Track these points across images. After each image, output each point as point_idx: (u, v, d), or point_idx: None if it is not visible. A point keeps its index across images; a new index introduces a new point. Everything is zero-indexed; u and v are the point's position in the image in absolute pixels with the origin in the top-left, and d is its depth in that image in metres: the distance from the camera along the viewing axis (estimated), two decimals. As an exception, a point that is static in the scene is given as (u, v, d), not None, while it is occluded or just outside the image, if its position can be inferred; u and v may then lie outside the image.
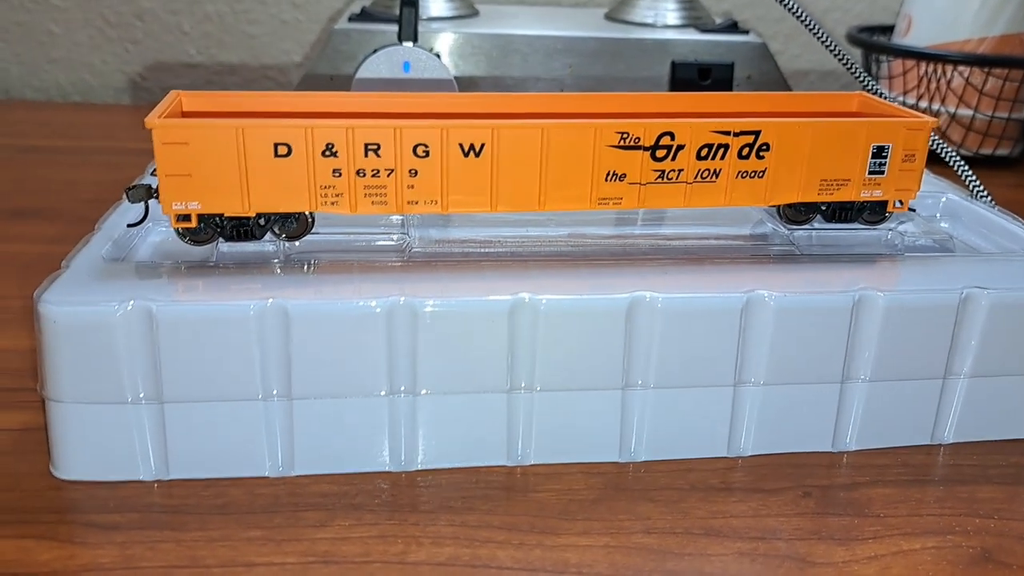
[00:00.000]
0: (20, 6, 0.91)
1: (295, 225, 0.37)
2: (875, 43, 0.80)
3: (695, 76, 0.70)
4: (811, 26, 0.55)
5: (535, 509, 0.33)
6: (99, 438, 0.34)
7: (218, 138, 0.34)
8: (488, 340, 0.34)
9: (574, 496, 0.34)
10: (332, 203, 0.36)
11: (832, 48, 0.55)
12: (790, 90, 0.76)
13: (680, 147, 0.37)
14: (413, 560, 0.31)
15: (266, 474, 0.35)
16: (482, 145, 0.36)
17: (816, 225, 0.41)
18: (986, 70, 0.74)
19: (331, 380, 0.34)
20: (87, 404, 0.33)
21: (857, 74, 0.55)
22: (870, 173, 0.39)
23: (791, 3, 0.55)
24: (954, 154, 0.51)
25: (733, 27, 0.74)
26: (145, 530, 0.32)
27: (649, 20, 0.77)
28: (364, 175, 0.35)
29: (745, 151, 0.38)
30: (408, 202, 0.36)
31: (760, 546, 0.32)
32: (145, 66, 0.93)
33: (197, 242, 0.36)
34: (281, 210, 0.36)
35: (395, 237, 0.40)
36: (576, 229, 0.42)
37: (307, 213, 0.37)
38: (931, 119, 0.39)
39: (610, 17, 0.80)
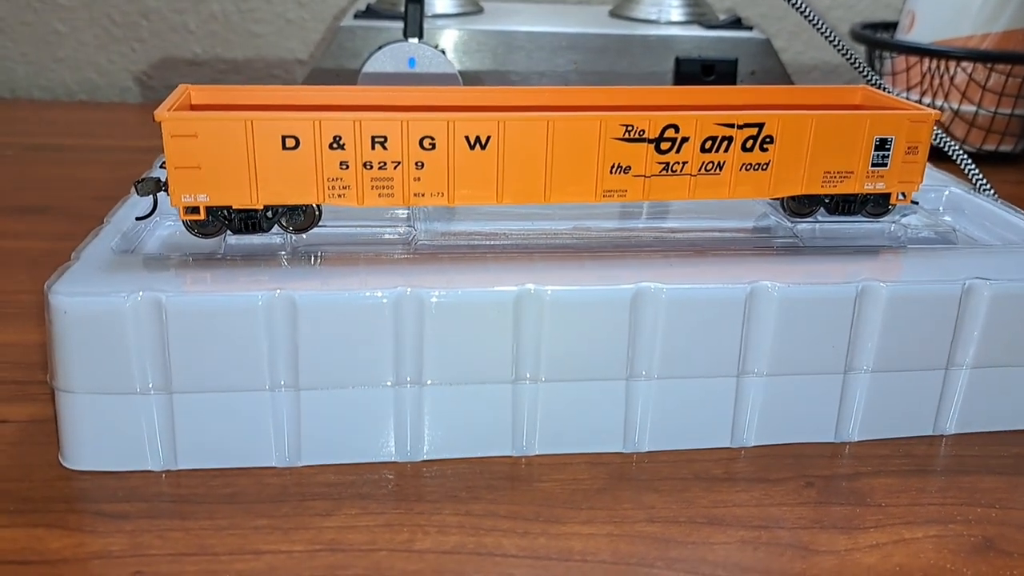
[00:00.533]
0: (27, 6, 0.92)
1: (302, 217, 0.37)
2: (878, 39, 0.80)
3: (699, 72, 0.70)
4: (815, 21, 0.55)
5: (540, 498, 0.34)
6: (108, 428, 0.34)
7: (226, 131, 0.34)
8: (493, 331, 0.35)
9: (578, 486, 0.35)
10: (339, 195, 0.36)
11: (836, 43, 0.55)
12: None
13: (684, 139, 0.37)
14: (419, 548, 0.31)
15: (273, 464, 0.35)
16: (488, 138, 0.36)
17: (819, 218, 0.42)
18: (989, 66, 0.74)
19: (338, 371, 0.34)
20: (96, 394, 0.33)
21: (861, 69, 0.55)
22: (873, 166, 0.39)
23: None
24: (957, 148, 0.51)
25: (737, 23, 0.75)
26: (154, 519, 0.32)
27: (653, 16, 0.77)
28: (371, 167, 0.36)
29: (749, 144, 0.38)
30: (415, 194, 0.36)
31: (763, 534, 0.32)
32: (151, 65, 0.94)
33: (205, 234, 0.37)
34: (289, 202, 0.36)
35: (401, 230, 0.41)
36: (581, 222, 0.42)
37: (314, 205, 0.37)
38: (934, 111, 0.39)
39: (614, 14, 0.81)
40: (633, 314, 0.35)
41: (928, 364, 0.38)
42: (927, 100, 0.77)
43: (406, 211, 0.42)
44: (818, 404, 0.37)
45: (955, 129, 0.77)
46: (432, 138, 0.36)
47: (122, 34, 0.93)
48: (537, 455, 0.36)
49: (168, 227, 0.40)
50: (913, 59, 0.77)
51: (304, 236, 0.38)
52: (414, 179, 0.36)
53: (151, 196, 0.37)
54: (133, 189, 0.37)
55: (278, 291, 0.33)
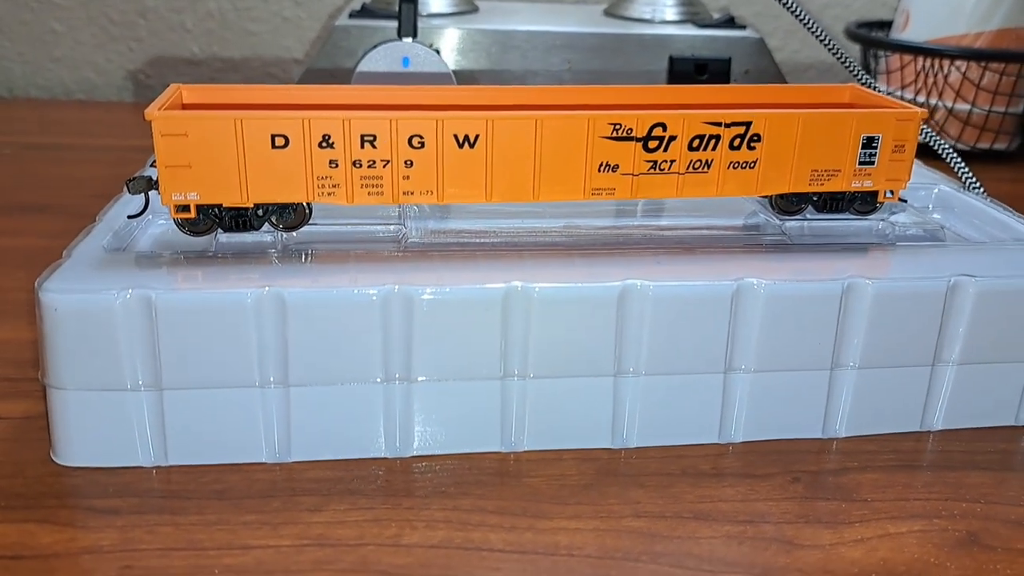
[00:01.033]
0: (24, 5, 0.92)
1: (293, 216, 0.38)
2: (873, 38, 0.80)
3: (692, 71, 0.71)
4: (806, 20, 0.55)
5: (527, 494, 0.34)
6: (99, 425, 0.34)
7: (216, 129, 0.35)
8: (482, 328, 0.35)
9: (566, 481, 0.35)
10: (329, 194, 0.36)
11: (827, 42, 0.55)
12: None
13: (672, 138, 0.37)
14: (406, 543, 0.31)
15: (263, 460, 0.35)
16: (476, 136, 0.36)
17: (808, 215, 0.42)
18: (983, 64, 0.74)
19: (327, 367, 0.35)
20: (87, 391, 0.34)
21: (851, 68, 0.56)
22: (860, 164, 0.39)
23: (786, -3, 0.55)
24: (946, 145, 0.51)
25: (730, 22, 0.75)
26: (144, 514, 0.32)
27: (647, 16, 0.77)
28: (360, 166, 0.36)
29: (736, 142, 0.38)
30: (404, 192, 0.37)
31: (748, 529, 0.32)
32: (148, 64, 0.94)
33: (196, 233, 0.37)
34: (279, 201, 0.36)
35: (392, 227, 0.41)
36: (571, 220, 0.43)
37: (304, 204, 0.37)
38: (920, 110, 0.39)
39: (609, 13, 0.81)
40: (620, 311, 0.35)
41: (915, 360, 0.38)
42: (921, 99, 0.77)
43: (397, 209, 0.42)
44: (805, 400, 0.38)
45: (949, 127, 0.77)
46: (421, 137, 0.36)
47: (119, 33, 0.93)
48: (525, 451, 0.37)
49: (160, 225, 0.40)
50: (907, 58, 0.77)
51: (295, 234, 0.38)
52: (403, 177, 0.36)
53: (143, 194, 0.37)
54: (125, 188, 0.37)
55: (267, 288, 0.33)
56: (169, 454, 0.35)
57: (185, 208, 0.36)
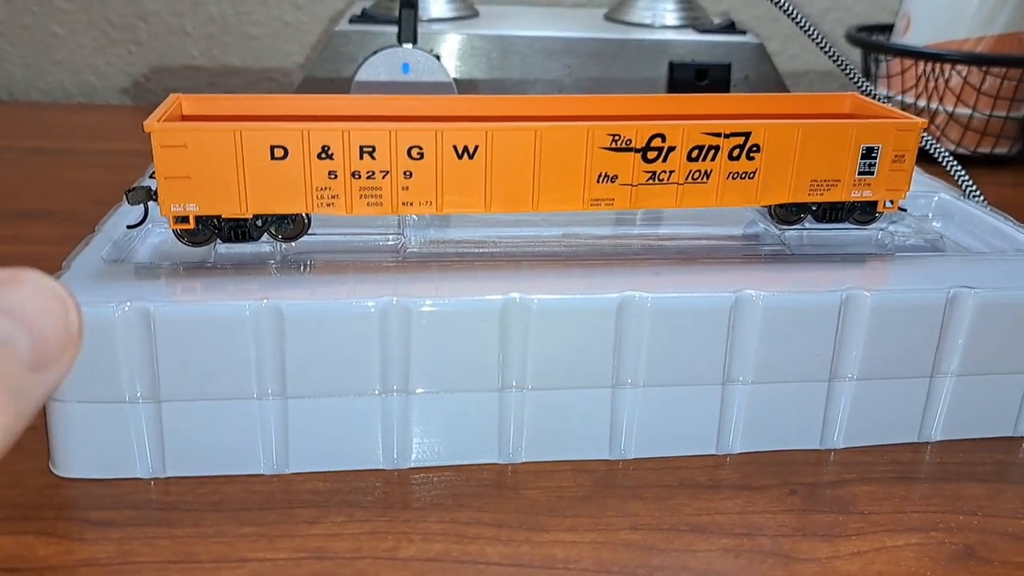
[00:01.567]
0: (25, 8, 0.92)
1: (292, 226, 0.38)
2: (873, 42, 0.80)
3: (692, 77, 0.71)
4: (804, 26, 0.55)
5: (525, 506, 0.34)
6: (97, 436, 0.34)
7: (215, 141, 0.35)
8: (480, 339, 0.35)
9: (563, 493, 0.35)
10: (328, 204, 0.36)
11: (825, 48, 0.55)
12: (787, 90, 0.76)
13: (671, 149, 0.37)
14: (403, 556, 0.31)
15: (261, 472, 0.35)
16: (476, 147, 0.36)
17: (807, 225, 0.42)
18: (984, 69, 0.74)
19: (325, 379, 0.35)
20: (86, 403, 0.34)
21: (851, 74, 0.56)
22: (860, 174, 0.39)
23: (784, 3, 0.55)
24: (946, 153, 0.51)
25: (731, 27, 0.75)
26: (142, 526, 0.32)
27: (648, 21, 0.77)
28: (359, 177, 0.36)
29: (735, 152, 0.38)
30: (403, 203, 0.37)
31: (745, 542, 0.32)
32: (149, 68, 0.94)
33: (195, 243, 0.37)
34: (277, 211, 0.36)
35: (391, 238, 0.41)
36: (570, 229, 0.43)
37: (303, 214, 0.37)
38: (921, 120, 0.39)
39: (609, 18, 0.81)
40: (619, 323, 0.35)
41: (913, 372, 0.38)
42: (922, 103, 0.77)
43: (396, 218, 0.42)
44: (803, 411, 0.38)
45: (950, 132, 0.77)
46: (420, 148, 0.36)
47: (120, 37, 0.93)
48: (524, 463, 0.37)
49: (160, 235, 0.40)
50: (908, 62, 0.77)
51: (293, 244, 0.39)
52: (402, 188, 0.36)
53: (142, 205, 0.37)
54: (124, 198, 0.37)
55: (265, 301, 0.33)
56: (167, 466, 0.35)
57: (184, 219, 0.36)
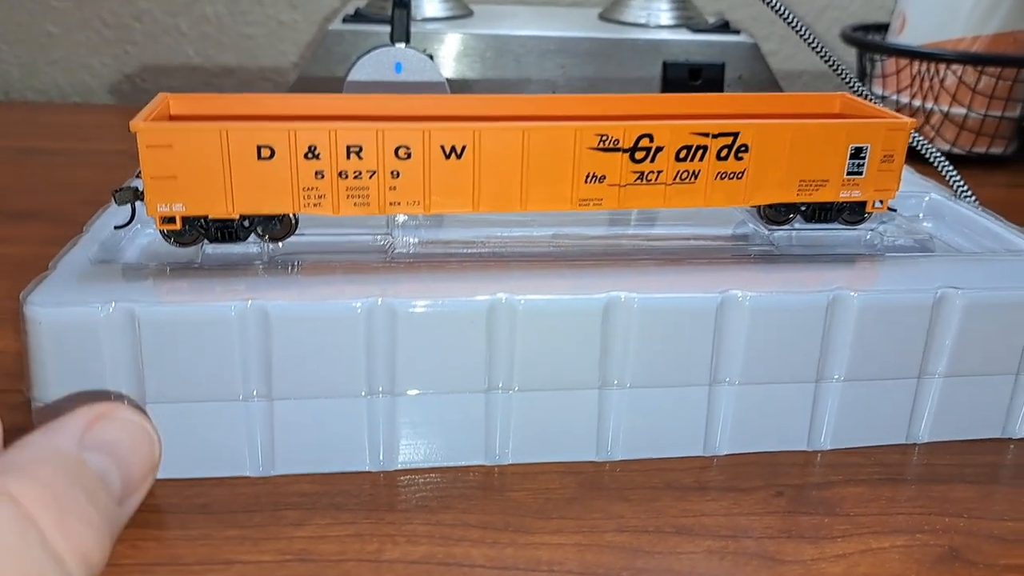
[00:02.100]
0: (20, 7, 0.92)
1: (279, 227, 0.37)
2: (868, 42, 0.80)
3: (686, 76, 0.71)
4: (796, 26, 0.55)
5: (511, 508, 0.34)
6: (83, 437, 0.34)
7: (202, 141, 0.34)
8: (466, 340, 0.35)
9: (550, 495, 0.35)
10: (315, 204, 0.36)
11: (819, 49, 0.55)
12: (781, 90, 0.76)
13: (659, 149, 0.37)
14: (387, 558, 0.31)
15: (247, 473, 0.35)
16: (463, 147, 0.36)
17: (796, 225, 0.42)
18: (979, 69, 0.74)
19: (311, 381, 0.35)
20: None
21: (842, 74, 0.56)
22: (849, 174, 0.39)
23: (777, 3, 0.55)
24: (937, 153, 0.51)
25: (725, 27, 0.75)
26: (127, 528, 0.32)
27: (642, 20, 0.77)
28: (346, 177, 0.36)
29: (724, 153, 0.38)
30: (390, 203, 0.36)
31: (730, 544, 0.32)
32: (144, 67, 0.94)
33: (182, 244, 0.37)
34: (264, 212, 0.36)
35: (379, 238, 0.41)
36: (560, 229, 0.43)
37: (291, 215, 0.37)
38: (910, 120, 0.39)
39: (604, 17, 0.81)
40: (605, 324, 0.35)
41: (901, 373, 0.38)
42: (917, 102, 0.77)
43: (384, 217, 0.42)
44: (790, 413, 0.38)
45: (945, 132, 0.77)
46: (407, 147, 0.36)
47: (115, 36, 0.93)
48: (510, 464, 0.36)
49: (149, 235, 0.40)
50: (903, 61, 0.77)
51: (280, 245, 0.38)
52: (390, 188, 0.36)
53: (129, 205, 0.37)
54: (112, 198, 0.37)
55: (250, 302, 0.33)
56: (153, 467, 0.35)
57: (171, 219, 0.36)
